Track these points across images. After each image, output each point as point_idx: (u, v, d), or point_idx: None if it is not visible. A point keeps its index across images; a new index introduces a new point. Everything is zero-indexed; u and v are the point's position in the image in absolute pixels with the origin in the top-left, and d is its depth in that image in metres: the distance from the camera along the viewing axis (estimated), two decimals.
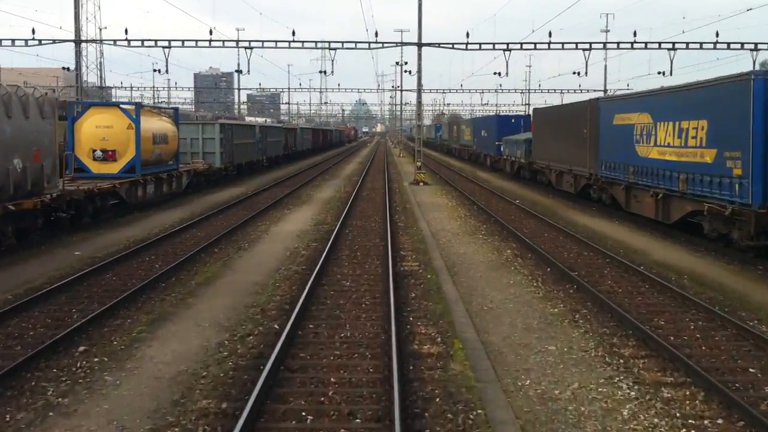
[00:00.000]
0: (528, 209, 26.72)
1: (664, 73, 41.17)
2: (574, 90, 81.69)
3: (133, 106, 25.87)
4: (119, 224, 22.56)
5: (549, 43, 39.48)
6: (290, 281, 14.23)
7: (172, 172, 29.26)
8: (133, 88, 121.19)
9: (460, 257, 17.03)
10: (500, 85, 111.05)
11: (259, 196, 32.42)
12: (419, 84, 40.36)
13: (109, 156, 25.33)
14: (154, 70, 40.06)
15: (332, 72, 39.39)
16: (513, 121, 50.76)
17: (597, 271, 15.33)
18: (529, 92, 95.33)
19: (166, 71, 39.76)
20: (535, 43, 39.77)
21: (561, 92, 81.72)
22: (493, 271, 15.47)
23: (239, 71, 39.66)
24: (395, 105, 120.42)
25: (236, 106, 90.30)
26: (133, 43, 39.04)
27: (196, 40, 39.03)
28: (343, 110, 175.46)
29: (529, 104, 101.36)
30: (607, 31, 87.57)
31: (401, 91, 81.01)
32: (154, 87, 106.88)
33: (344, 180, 43.36)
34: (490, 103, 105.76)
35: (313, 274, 14.04)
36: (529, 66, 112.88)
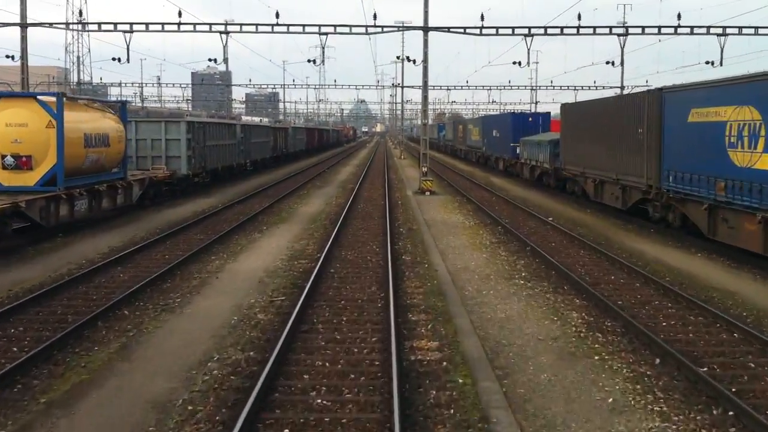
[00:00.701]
0: (569, 232, 20.66)
1: (713, 63, 35.05)
2: (589, 87, 75.73)
3: (55, 98, 19.80)
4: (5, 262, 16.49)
5: (578, 27, 33.46)
6: (213, 401, 8.06)
7: (117, 182, 23.20)
8: (124, 85, 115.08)
9: (504, 329, 10.93)
10: (509, 81, 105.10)
11: (229, 210, 26.36)
12: (425, 76, 34.34)
13: (22, 163, 19.26)
14: (114, 59, 33.99)
15: (323, 62, 33.31)
16: (530, 119, 44.70)
17: (743, 367, 9.24)
18: (536, 89, 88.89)
19: (127, 60, 33.70)
20: (561, 27, 33.70)
21: (575, 89, 75.56)
22: (568, 362, 9.37)
23: (213, 59, 33.63)
24: (395, 103, 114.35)
25: (227, 103, 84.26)
26: (90, 27, 33.00)
27: (163, 24, 33.00)
28: (342, 110, 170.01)
29: (537, 102, 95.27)
30: (624, 24, 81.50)
31: (402, 88, 74.90)
32: (142, 83, 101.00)
33: (338, 188, 37.30)
34: (494, 102, 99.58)
35: (258, 385, 7.95)
36: (537, 62, 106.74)
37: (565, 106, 31.43)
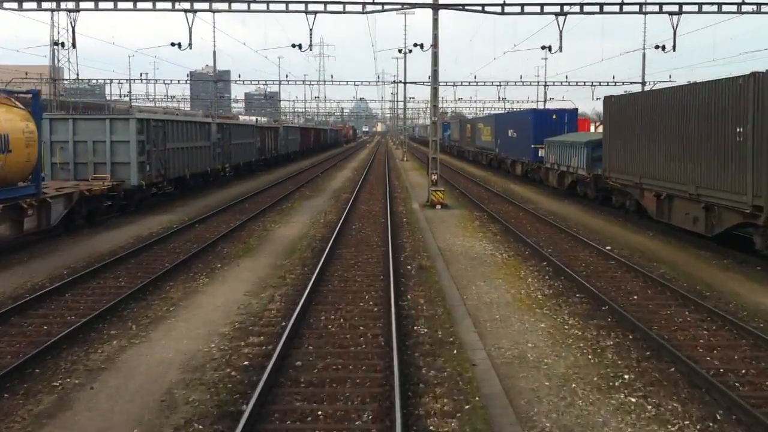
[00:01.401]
0: (648, 273, 14.52)
1: None
2: (608, 83, 69.54)
3: None
4: None
5: (621, 5, 27.37)
6: None
7: (23, 200, 17.10)
8: (106, 82, 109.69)
9: None
10: (520, 76, 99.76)
11: (185, 233, 20.28)
12: (435, 63, 28.21)
13: None
14: (56, 44, 27.87)
15: (310, 46, 27.20)
16: (554, 117, 38.55)
17: None
18: (548, 85, 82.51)
19: (73, 45, 27.61)
20: (601, 5, 27.56)
21: (592, 85, 69.35)
22: None
23: (177, 44, 27.49)
24: (397, 102, 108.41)
25: (213, 102, 78.25)
26: (25, 6, 26.87)
27: (116, 1, 26.86)
28: (342, 109, 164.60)
29: (546, 100, 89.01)
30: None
31: (405, 84, 68.77)
32: (130, 79, 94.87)
33: (330, 198, 31.20)
34: (503, 99, 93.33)
35: None
36: (545, 59, 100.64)
37: (610, 100, 25.26)
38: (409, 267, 15.54)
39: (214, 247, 17.94)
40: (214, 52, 70.40)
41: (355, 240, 19.34)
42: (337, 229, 20.46)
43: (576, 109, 39.03)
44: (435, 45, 28.39)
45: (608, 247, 17.99)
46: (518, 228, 21.26)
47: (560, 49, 28.50)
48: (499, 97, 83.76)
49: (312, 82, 74.87)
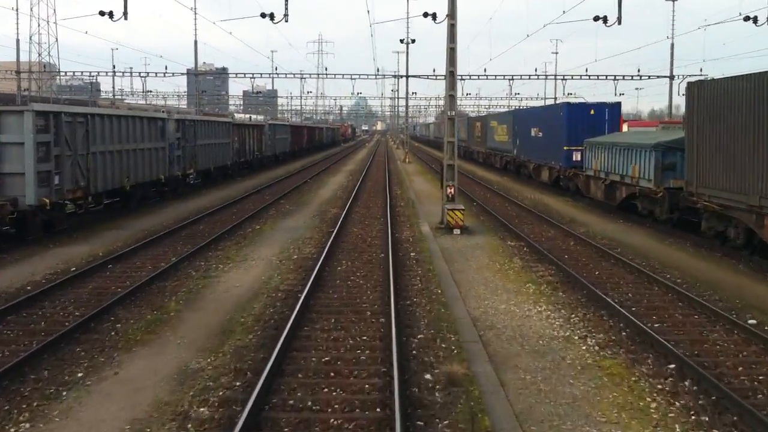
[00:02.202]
0: None
1: None
2: (632, 77, 62.37)
3: None
4: None
5: None
6: None
7: None
8: (87, 75, 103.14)
9: None
10: (536, 69, 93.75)
11: (78, 287, 13.21)
12: (451, 40, 21.13)
13: None
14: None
15: (286, 17, 20.11)
16: (593, 112, 31.44)
17: None
18: (565, 79, 75.08)
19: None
20: None
21: (614, 78, 62.07)
22: None
23: (108, 13, 20.36)
24: (398, 98, 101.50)
25: (193, 100, 71.38)
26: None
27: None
28: (341, 107, 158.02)
29: (556, 97, 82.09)
30: None
31: (407, 76, 61.67)
32: (114, 71, 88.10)
33: (313, 217, 24.14)
34: (516, 95, 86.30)
35: None
36: (556, 53, 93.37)
37: (701, 87, 18.08)
38: (429, 380, 8.44)
39: (99, 321, 10.87)
40: (195, 42, 63.23)
41: (338, 299, 12.29)
42: (313, 274, 13.46)
43: (619, 104, 31.86)
44: (452, 15, 21.29)
45: (750, 319, 10.95)
46: (584, 273, 14.25)
47: (618, 20, 21.38)
48: (510, 92, 76.02)
49: (306, 75, 66.11)
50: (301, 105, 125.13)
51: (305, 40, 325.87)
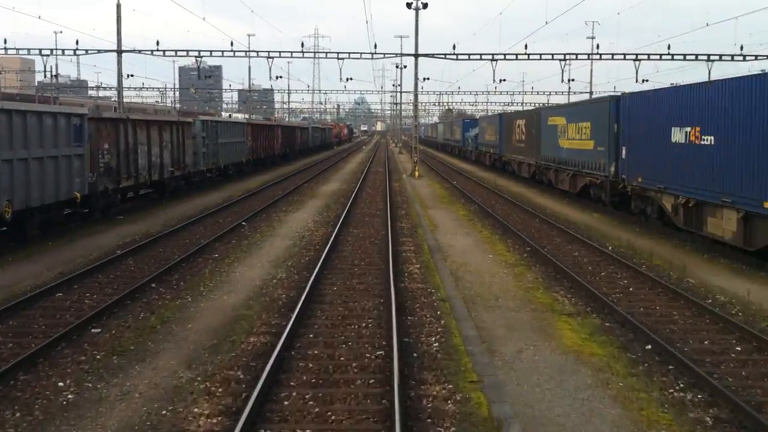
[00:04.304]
0: None
1: None
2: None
3: None
4: None
5: None
6: None
7: None
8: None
9: None
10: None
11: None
12: None
13: None
14: None
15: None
16: None
17: None
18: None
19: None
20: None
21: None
22: None
23: None
24: (399, 95, 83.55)
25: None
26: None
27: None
28: (338, 106, 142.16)
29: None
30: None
31: (416, 55, 43.52)
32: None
33: (255, 300, 12.22)
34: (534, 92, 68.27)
35: None
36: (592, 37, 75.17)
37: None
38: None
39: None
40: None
41: None
42: None
43: None
44: None
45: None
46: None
47: None
48: (563, 77, 55.82)
49: (275, 54, 45.73)
50: (288, 102, 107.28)
51: (300, 35, 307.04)
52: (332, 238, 18.14)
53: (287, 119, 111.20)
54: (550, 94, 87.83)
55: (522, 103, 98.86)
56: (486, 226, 21.58)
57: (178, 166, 28.17)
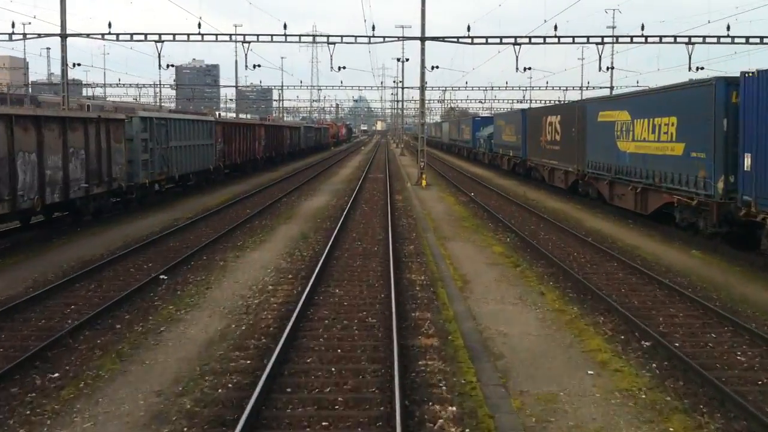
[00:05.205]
0: None
1: None
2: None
3: None
4: None
5: None
6: None
7: None
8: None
9: None
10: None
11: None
12: None
13: None
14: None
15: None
16: None
17: None
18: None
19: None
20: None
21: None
22: None
23: None
24: (399, 89, 76.18)
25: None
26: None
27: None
28: (337, 105, 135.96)
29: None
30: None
31: (422, 39, 36.47)
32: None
33: None
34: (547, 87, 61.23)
35: None
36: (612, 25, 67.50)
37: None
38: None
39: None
40: None
41: None
42: None
43: None
44: None
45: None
46: None
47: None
48: (601, 63, 47.60)
49: (253, 38, 38.64)
50: (282, 99, 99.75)
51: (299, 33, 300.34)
52: (295, 315, 10.42)
53: (283, 118, 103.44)
54: (566, 90, 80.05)
55: (529, 100, 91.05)
56: (545, 280, 13.65)
57: (101, 180, 20.36)
